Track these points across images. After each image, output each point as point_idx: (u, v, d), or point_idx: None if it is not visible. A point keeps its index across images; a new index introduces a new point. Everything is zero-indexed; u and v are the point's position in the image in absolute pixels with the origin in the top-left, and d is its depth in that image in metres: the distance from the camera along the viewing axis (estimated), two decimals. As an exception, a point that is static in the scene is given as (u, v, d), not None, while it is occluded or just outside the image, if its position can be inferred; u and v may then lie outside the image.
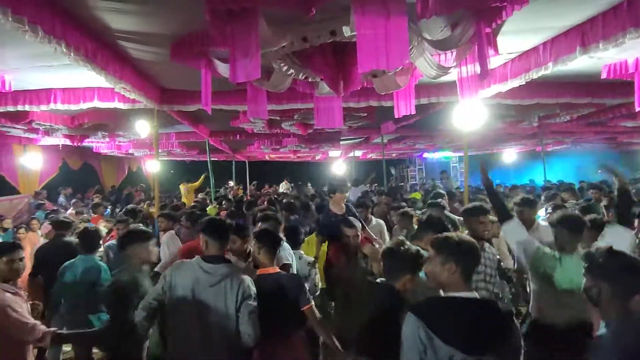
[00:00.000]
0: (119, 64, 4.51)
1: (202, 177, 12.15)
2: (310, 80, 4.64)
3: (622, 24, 3.45)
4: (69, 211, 8.91)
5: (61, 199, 11.49)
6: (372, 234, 4.46)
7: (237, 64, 3.27)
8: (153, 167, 8.29)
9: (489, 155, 19.21)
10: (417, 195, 9.35)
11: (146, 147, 12.00)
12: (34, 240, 6.25)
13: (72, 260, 3.75)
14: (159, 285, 2.56)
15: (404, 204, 6.77)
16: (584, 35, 3.91)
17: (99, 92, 5.70)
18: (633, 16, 3.35)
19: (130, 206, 6.65)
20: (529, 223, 3.77)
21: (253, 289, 2.56)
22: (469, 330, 1.71)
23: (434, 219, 3.23)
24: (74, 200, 10.32)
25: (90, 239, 3.81)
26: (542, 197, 6.56)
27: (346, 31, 3.28)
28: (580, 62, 4.55)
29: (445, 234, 2.01)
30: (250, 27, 3.11)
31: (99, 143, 10.91)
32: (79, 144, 9.74)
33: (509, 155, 17.85)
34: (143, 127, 7.38)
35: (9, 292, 2.53)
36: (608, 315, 1.76)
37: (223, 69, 4.06)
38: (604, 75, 5.23)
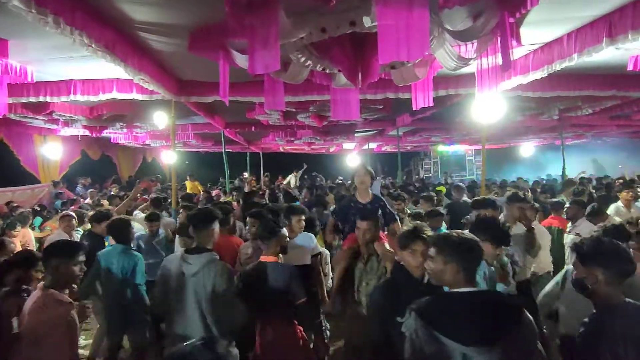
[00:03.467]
0: (137, 55, 4.54)
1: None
2: (327, 71, 4.60)
3: (654, 13, 3.33)
4: (86, 201, 9.09)
5: (79, 188, 11.72)
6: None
7: (256, 56, 3.25)
8: (169, 158, 8.37)
9: (507, 149, 18.92)
10: (443, 189, 9.25)
11: (162, 138, 12.13)
12: (25, 237, 5.63)
13: (107, 248, 3.72)
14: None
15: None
16: (611, 25, 3.78)
17: (118, 83, 5.76)
18: (665, 5, 3.23)
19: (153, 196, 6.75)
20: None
21: (228, 277, 2.73)
22: (472, 323, 1.68)
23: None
24: (90, 190, 10.51)
25: (120, 229, 3.77)
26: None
27: (366, 21, 3.22)
28: (606, 54, 4.41)
29: (445, 232, 1.98)
30: (269, 18, 3.09)
31: (116, 134, 11.05)
32: (97, 135, 9.88)
33: (527, 148, 17.53)
34: (161, 118, 7.45)
35: (65, 302, 2.40)
36: (602, 302, 1.88)
37: (241, 60, 4.05)
38: (630, 67, 5.05)
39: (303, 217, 3.91)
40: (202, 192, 10.78)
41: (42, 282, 2.45)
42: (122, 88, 5.78)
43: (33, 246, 5.43)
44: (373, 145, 16.52)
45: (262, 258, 3.04)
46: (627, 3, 3.62)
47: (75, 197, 10.11)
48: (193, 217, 2.95)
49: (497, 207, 3.20)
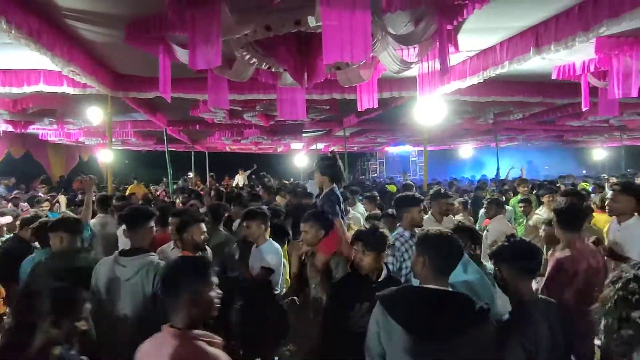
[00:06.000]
0: (67, 46, 4.21)
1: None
2: (273, 70, 4.55)
3: (573, 27, 3.63)
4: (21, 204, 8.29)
5: (0, 189, 10.68)
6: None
7: (197, 51, 3.15)
8: (106, 156, 7.89)
9: (448, 151, 19.89)
10: (393, 188, 9.45)
11: (99, 135, 11.38)
12: None
13: (32, 255, 3.31)
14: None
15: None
16: (538, 36, 4.08)
17: (45, 74, 5.30)
18: (583, 21, 3.53)
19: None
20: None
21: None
22: (427, 317, 1.70)
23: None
24: (15, 191, 9.62)
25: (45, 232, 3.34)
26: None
27: (311, 21, 3.23)
28: (534, 63, 4.75)
29: (427, 229, 2.00)
30: (211, 13, 2.99)
31: (45, 130, 10.22)
32: (22, 131, 9.08)
33: (466, 150, 18.54)
34: (95, 114, 6.99)
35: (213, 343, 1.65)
36: (512, 300, 1.97)
37: (182, 54, 3.89)
38: (554, 76, 5.49)
39: (260, 222, 3.55)
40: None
41: (168, 324, 1.66)
42: (50, 80, 5.33)
43: None
44: (321, 146, 16.64)
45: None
46: (550, 17, 3.92)
47: (-4, 199, 9.21)
48: (126, 216, 2.78)
49: (421, 203, 3.30)
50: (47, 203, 6.50)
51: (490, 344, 1.74)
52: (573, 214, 2.88)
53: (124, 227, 2.96)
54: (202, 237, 3.01)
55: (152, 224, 2.82)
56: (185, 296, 1.64)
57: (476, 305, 1.73)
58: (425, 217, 4.17)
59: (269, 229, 3.61)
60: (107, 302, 2.57)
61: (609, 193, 3.43)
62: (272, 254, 3.37)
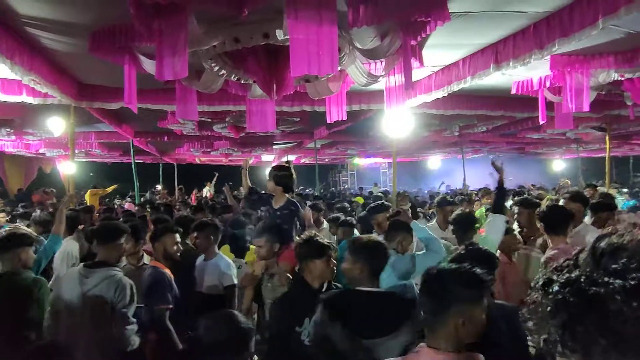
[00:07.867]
0: (27, 54, 4.07)
1: (113, 187, 11.99)
2: (242, 82, 4.56)
3: (529, 45, 3.84)
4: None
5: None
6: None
7: (164, 62, 3.12)
8: (68, 169, 7.60)
9: (417, 162, 20.32)
10: (360, 200, 9.53)
11: (61, 146, 10.96)
12: None
13: None
14: (50, 296, 2.67)
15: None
16: (497, 53, 4.28)
17: (3, 83, 5.09)
18: (538, 39, 3.74)
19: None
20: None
21: (129, 292, 2.63)
22: (371, 319, 1.88)
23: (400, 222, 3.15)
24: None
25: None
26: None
27: (279, 34, 3.27)
28: (494, 78, 4.97)
29: (357, 236, 2.19)
30: (179, 24, 2.98)
31: (2, 141, 9.77)
32: (-23, 142, 8.66)
33: (434, 162, 19.00)
34: (56, 125, 6.74)
35: None
36: None
37: (149, 65, 3.84)
38: (513, 91, 5.76)
39: (209, 233, 3.43)
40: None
41: (426, 345, 1.49)
42: (8, 89, 5.11)
43: None
44: (292, 158, 16.67)
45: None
46: (508, 35, 4.13)
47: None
48: (97, 232, 2.81)
49: (388, 209, 3.41)
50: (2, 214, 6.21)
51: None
52: (557, 217, 2.89)
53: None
54: (175, 247, 3.04)
55: (122, 240, 2.82)
56: (456, 314, 1.40)
57: (404, 300, 1.97)
58: (429, 224, 4.22)
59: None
60: (66, 313, 2.57)
61: (561, 201, 3.64)
62: (230, 268, 3.29)
